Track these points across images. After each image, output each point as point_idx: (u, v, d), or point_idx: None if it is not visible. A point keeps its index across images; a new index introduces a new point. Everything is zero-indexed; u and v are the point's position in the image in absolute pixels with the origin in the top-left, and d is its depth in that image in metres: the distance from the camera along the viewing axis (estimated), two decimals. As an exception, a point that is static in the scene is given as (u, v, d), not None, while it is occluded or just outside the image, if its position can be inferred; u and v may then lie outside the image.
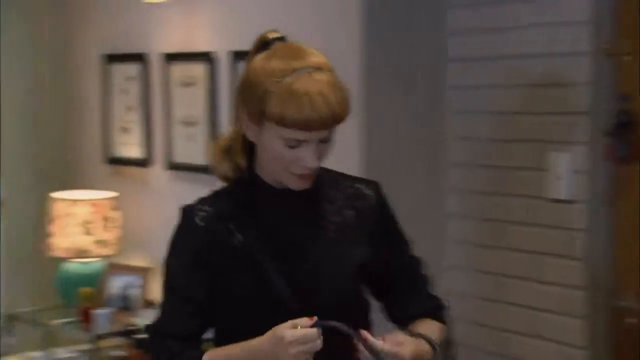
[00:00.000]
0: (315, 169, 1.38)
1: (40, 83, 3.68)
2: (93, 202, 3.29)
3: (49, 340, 3.23)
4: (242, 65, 2.08)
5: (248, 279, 1.39)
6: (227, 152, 1.45)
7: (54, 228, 3.28)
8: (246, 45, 1.47)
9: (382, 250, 1.48)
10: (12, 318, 3.30)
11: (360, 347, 1.32)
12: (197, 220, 1.41)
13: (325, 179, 1.47)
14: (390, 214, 1.53)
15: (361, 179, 1.55)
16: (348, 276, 1.43)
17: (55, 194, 3.33)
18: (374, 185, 1.52)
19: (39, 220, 3.38)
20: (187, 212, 1.43)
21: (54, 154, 3.70)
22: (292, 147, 1.35)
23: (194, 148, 3.14)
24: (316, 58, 1.36)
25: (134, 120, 3.43)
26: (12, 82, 3.57)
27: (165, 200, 3.19)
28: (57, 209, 3.28)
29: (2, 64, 3.52)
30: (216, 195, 1.46)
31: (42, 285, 3.48)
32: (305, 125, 1.31)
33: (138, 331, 2.94)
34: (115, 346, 3.11)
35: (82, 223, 3.25)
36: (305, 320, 1.29)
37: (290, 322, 1.29)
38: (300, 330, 1.27)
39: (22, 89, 3.63)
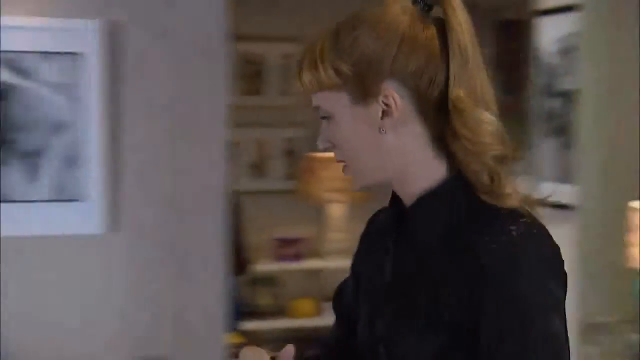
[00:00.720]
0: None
1: (616, 87, 3.58)
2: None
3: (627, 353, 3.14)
4: None
5: None
6: None
7: (633, 238, 3.17)
8: None
9: None
10: (592, 328, 3.29)
11: None
12: None
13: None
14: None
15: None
16: None
17: (633, 203, 3.21)
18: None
19: (616, 229, 3.30)
20: None
21: (630, 160, 3.58)
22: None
23: None
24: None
25: None
26: (590, 87, 3.54)
27: None
28: (636, 218, 3.16)
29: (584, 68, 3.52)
30: None
31: (620, 296, 3.39)
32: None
33: None
34: None
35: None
36: None
37: None
38: None
39: (599, 93, 3.58)
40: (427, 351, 1.08)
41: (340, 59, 1.09)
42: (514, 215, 1.07)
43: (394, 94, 1.09)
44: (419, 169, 1.12)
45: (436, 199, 1.11)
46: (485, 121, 1.08)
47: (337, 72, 1.10)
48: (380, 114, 1.10)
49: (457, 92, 1.07)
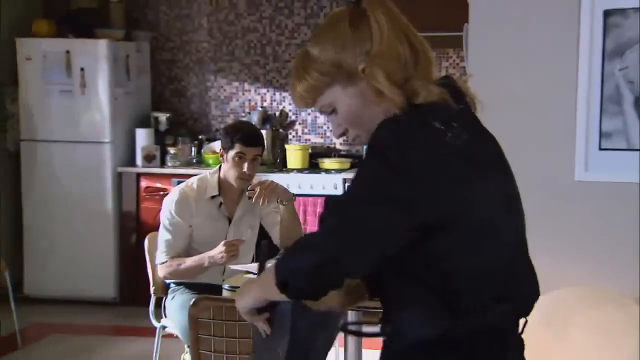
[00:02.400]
0: None
1: None
2: None
3: None
4: None
5: None
6: None
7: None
8: None
9: None
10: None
11: None
12: None
13: None
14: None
15: None
16: None
17: None
18: None
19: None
20: None
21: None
22: None
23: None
24: None
25: None
26: None
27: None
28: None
29: None
30: None
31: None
32: None
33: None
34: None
35: None
36: None
37: None
38: None
39: None
40: None
41: (318, 64, 1.51)
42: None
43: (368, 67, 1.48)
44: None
45: None
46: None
47: (321, 73, 1.51)
48: (366, 83, 1.49)
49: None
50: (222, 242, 3.33)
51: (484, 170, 1.49)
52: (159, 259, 3.46)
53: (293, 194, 3.53)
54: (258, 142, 3.48)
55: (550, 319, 2.71)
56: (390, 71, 1.48)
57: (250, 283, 1.63)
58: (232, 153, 3.43)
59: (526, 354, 1.57)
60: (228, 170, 3.46)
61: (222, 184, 3.49)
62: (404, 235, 1.40)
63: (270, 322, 1.60)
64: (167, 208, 3.46)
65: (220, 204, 3.50)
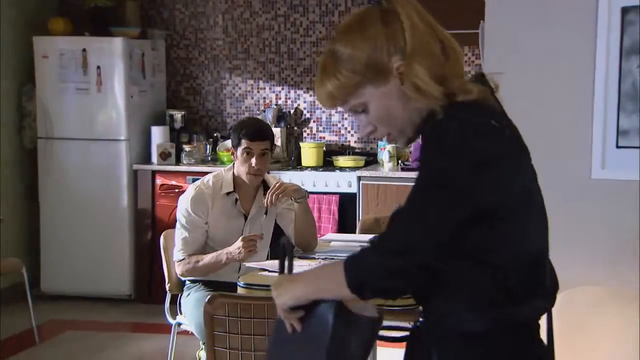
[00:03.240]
0: None
1: None
2: None
3: None
4: None
5: None
6: None
7: None
8: None
9: None
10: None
11: None
12: None
13: None
14: None
15: None
16: None
17: None
18: None
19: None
20: None
21: None
22: None
23: None
24: None
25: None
26: None
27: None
28: None
29: None
30: None
31: None
32: None
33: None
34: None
35: None
36: None
37: None
38: None
39: None
40: None
41: (351, 63, 1.49)
42: None
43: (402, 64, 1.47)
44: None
45: None
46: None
47: (354, 72, 1.48)
48: (399, 83, 1.48)
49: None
50: (240, 238, 3.34)
51: (530, 165, 1.56)
52: (177, 257, 3.47)
53: (306, 191, 3.53)
54: (264, 136, 3.46)
55: (566, 318, 2.69)
56: (428, 67, 1.47)
57: (294, 279, 1.58)
58: (240, 149, 3.44)
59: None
60: (239, 167, 3.47)
61: (236, 181, 3.50)
62: (464, 220, 1.42)
63: (302, 321, 1.55)
64: (183, 206, 3.47)
65: (236, 200, 3.50)
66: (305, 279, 1.56)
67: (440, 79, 1.47)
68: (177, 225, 3.50)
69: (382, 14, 1.50)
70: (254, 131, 3.45)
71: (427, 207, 1.41)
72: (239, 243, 3.31)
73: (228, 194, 3.49)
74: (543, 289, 1.50)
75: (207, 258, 3.41)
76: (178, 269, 3.49)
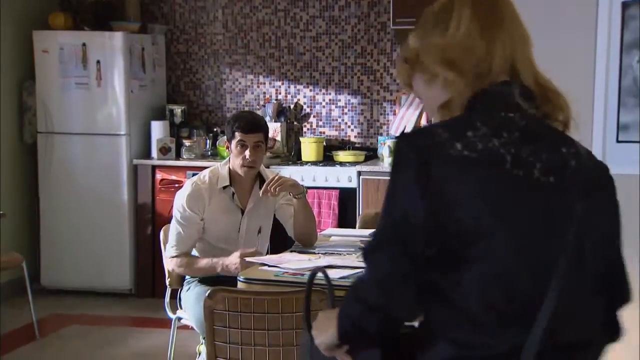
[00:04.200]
0: None
1: None
2: None
3: None
4: None
5: None
6: None
7: None
8: None
9: None
10: None
11: None
12: None
13: None
14: None
15: None
16: None
17: None
18: None
19: None
20: None
21: None
22: None
23: None
24: None
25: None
26: None
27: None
28: None
29: None
30: None
31: None
32: None
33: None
34: None
35: None
36: None
37: None
38: None
39: None
40: None
41: (405, 51, 1.53)
42: None
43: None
44: None
45: None
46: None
47: (405, 60, 1.53)
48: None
49: None
50: (238, 252, 3.32)
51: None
52: (169, 252, 3.48)
53: (304, 187, 3.53)
54: (257, 128, 3.45)
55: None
56: (459, 65, 1.44)
57: (331, 317, 1.52)
58: (234, 142, 3.44)
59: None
60: (234, 160, 3.47)
61: (232, 175, 3.50)
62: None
63: (352, 353, 1.51)
64: (180, 202, 3.47)
65: (233, 194, 3.50)
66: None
67: (471, 79, 1.46)
68: (172, 221, 3.50)
69: (439, 7, 1.51)
70: (247, 123, 3.45)
71: (383, 232, 1.41)
72: (235, 258, 3.29)
73: (224, 188, 3.48)
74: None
75: (202, 263, 3.41)
76: (169, 265, 3.50)
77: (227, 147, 3.52)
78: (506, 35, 1.48)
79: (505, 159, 1.36)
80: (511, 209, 1.35)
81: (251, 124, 3.45)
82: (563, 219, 1.38)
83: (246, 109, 5.88)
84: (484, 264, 1.32)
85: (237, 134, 3.43)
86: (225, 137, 3.56)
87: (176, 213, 3.47)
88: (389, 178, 1.41)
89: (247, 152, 3.41)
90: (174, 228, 3.48)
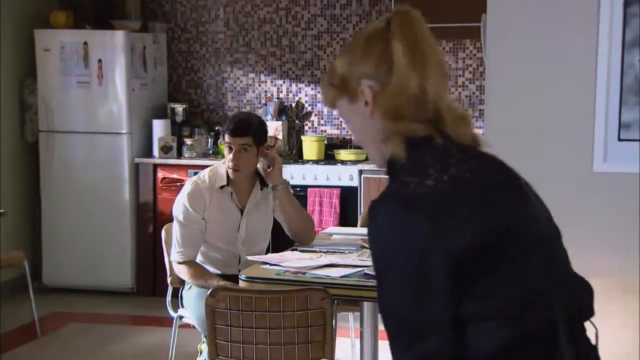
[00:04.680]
0: None
1: None
2: None
3: None
4: None
5: None
6: None
7: None
8: None
9: None
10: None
11: None
12: None
13: None
14: None
15: None
16: None
17: None
18: None
19: None
20: None
21: None
22: None
23: None
24: None
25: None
26: None
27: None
28: None
29: None
30: None
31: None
32: None
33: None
34: None
35: None
36: None
37: None
38: None
39: None
40: None
41: (332, 74, 1.54)
42: None
43: (366, 89, 1.48)
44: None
45: None
46: None
47: (331, 84, 1.53)
48: (364, 104, 1.49)
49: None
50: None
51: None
52: (174, 257, 3.46)
53: (287, 181, 3.54)
54: (242, 132, 3.39)
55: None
56: (391, 103, 1.45)
57: None
58: (225, 143, 3.45)
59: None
60: (226, 162, 3.46)
61: (229, 174, 3.49)
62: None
63: None
64: (181, 202, 3.46)
65: (231, 194, 3.50)
66: None
67: (398, 117, 1.46)
68: (174, 222, 3.48)
69: (372, 35, 1.49)
70: (234, 126, 3.41)
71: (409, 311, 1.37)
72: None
73: (222, 187, 3.48)
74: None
75: (208, 281, 3.34)
76: (175, 269, 3.48)
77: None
78: (434, 69, 1.48)
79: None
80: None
81: (237, 128, 3.40)
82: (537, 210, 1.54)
83: (247, 107, 5.88)
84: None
85: (225, 135, 3.44)
86: None
87: (178, 214, 3.45)
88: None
89: (230, 155, 3.41)
90: (177, 231, 3.45)
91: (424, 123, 1.46)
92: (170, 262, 3.62)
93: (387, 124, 1.47)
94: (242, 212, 3.52)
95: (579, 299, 1.53)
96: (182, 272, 3.44)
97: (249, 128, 3.42)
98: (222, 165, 3.51)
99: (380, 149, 1.51)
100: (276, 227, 3.63)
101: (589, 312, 1.54)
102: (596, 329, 1.54)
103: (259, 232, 3.53)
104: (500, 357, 1.37)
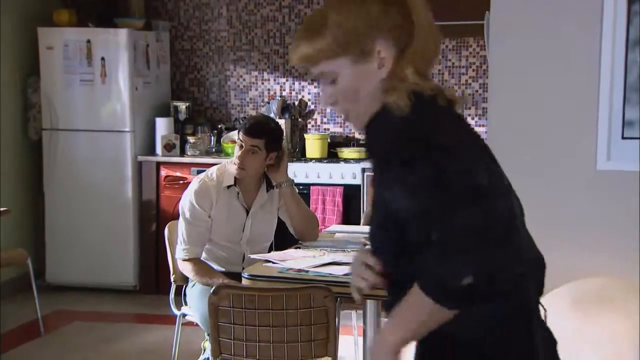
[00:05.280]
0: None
1: None
2: None
3: None
4: None
5: None
6: None
7: None
8: None
9: None
10: None
11: None
12: None
13: None
14: None
15: None
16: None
17: None
18: None
19: None
20: None
21: None
22: None
23: None
24: None
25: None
26: None
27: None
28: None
29: None
30: None
31: None
32: None
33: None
34: None
35: None
36: None
37: None
38: None
39: None
40: None
41: (337, 30, 1.42)
42: None
43: (384, 50, 1.43)
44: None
45: None
46: None
47: (336, 40, 1.42)
48: (376, 66, 1.43)
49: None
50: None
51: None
52: (180, 255, 3.45)
53: (292, 180, 3.52)
54: (256, 133, 3.38)
55: (571, 308, 2.69)
56: (413, 62, 1.44)
57: (380, 341, 1.44)
58: (237, 141, 3.45)
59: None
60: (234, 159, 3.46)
61: (234, 172, 3.48)
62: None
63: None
64: (188, 199, 3.46)
65: (238, 193, 3.50)
66: (392, 332, 1.42)
67: (421, 76, 1.44)
68: (180, 219, 3.47)
69: None
70: (249, 125, 3.42)
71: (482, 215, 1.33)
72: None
73: (229, 187, 3.47)
74: None
75: (213, 278, 3.34)
76: (180, 266, 3.48)
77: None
78: (438, 32, 1.50)
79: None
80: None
81: (252, 127, 3.40)
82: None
83: (250, 105, 5.88)
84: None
85: (240, 132, 3.43)
86: None
87: (185, 211, 3.44)
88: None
89: (239, 153, 3.40)
90: (182, 229, 3.45)
91: (431, 83, 1.46)
92: (173, 259, 3.62)
93: (396, 83, 1.42)
94: (247, 213, 3.52)
95: (541, 277, 1.52)
96: (187, 269, 3.44)
97: (263, 131, 3.40)
98: (231, 164, 3.50)
99: (372, 108, 1.45)
100: (279, 225, 3.63)
101: (542, 290, 1.54)
102: (545, 310, 1.53)
103: (263, 232, 3.54)
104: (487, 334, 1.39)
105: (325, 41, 1.45)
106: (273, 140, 3.42)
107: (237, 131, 3.48)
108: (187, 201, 3.45)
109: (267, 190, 3.51)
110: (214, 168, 3.54)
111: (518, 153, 3.03)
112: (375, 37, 1.43)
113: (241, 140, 3.40)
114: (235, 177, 3.46)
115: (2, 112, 5.40)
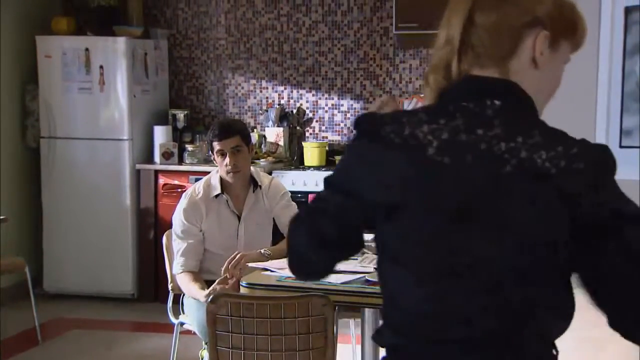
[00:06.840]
0: None
1: None
2: None
3: None
4: None
5: None
6: None
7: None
8: None
9: None
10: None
11: None
12: None
13: None
14: None
15: None
16: None
17: None
18: None
19: None
20: None
21: None
22: None
23: None
24: None
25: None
26: None
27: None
28: None
29: None
30: None
31: None
32: None
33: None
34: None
35: None
36: None
37: None
38: None
39: None
40: None
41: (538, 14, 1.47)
42: None
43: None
44: None
45: None
46: None
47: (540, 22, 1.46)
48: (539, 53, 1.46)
49: None
50: (217, 281, 3.23)
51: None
52: (176, 269, 3.51)
53: (268, 253, 3.33)
54: (231, 132, 3.44)
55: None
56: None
57: None
58: (215, 153, 3.48)
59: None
60: (220, 170, 3.50)
61: (224, 182, 3.52)
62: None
63: None
64: (177, 218, 3.51)
65: (227, 201, 3.52)
66: None
67: None
68: (173, 236, 3.53)
69: None
70: (220, 130, 3.46)
71: None
72: (216, 285, 3.22)
73: (217, 196, 3.50)
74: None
75: (199, 293, 3.33)
76: (178, 281, 3.53)
77: (213, 159, 3.55)
78: None
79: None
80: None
81: (224, 130, 3.45)
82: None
83: (249, 114, 5.89)
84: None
85: (214, 143, 3.46)
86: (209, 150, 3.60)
87: (176, 229, 3.51)
88: None
89: (227, 159, 3.42)
90: (176, 244, 3.51)
91: None
92: (171, 267, 3.63)
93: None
94: (239, 218, 3.53)
95: None
96: (179, 282, 3.50)
97: (234, 128, 3.49)
98: (215, 175, 3.53)
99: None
100: (277, 232, 3.63)
101: None
102: None
103: (258, 234, 3.54)
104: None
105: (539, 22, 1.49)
106: (246, 133, 3.54)
107: (208, 144, 3.52)
108: (177, 220, 3.50)
109: (254, 191, 3.53)
110: (200, 182, 3.58)
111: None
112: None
113: (220, 148, 3.43)
114: (221, 185, 3.48)
115: (0, 120, 5.41)
